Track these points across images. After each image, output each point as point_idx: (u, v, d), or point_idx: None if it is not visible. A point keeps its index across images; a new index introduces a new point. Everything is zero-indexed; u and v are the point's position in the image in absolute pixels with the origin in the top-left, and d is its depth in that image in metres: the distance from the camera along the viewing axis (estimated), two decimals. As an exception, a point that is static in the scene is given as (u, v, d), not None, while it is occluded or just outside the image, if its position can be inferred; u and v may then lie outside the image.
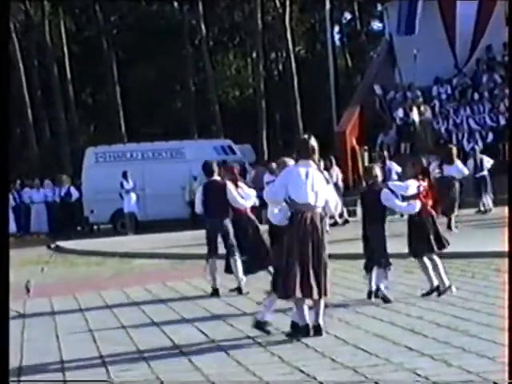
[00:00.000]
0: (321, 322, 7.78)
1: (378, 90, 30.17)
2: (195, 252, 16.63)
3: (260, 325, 8.01)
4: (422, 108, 28.23)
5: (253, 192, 11.40)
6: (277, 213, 8.17)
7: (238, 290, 11.09)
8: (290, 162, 8.28)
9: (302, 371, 6.48)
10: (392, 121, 28.72)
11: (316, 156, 7.84)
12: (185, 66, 40.58)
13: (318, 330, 7.73)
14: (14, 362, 7.66)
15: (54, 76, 39.14)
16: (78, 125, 40.51)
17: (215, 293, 11.10)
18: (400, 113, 28.56)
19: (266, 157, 35.54)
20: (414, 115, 28.03)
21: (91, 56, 40.85)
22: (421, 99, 28.84)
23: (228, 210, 11.14)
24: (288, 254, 7.67)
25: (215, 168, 11.30)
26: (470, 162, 21.22)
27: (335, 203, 8.00)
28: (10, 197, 27.80)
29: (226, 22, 45.92)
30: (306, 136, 8.04)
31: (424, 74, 28.62)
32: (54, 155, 38.04)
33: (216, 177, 11.26)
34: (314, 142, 7.84)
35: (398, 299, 9.54)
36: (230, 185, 11.09)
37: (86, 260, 18.48)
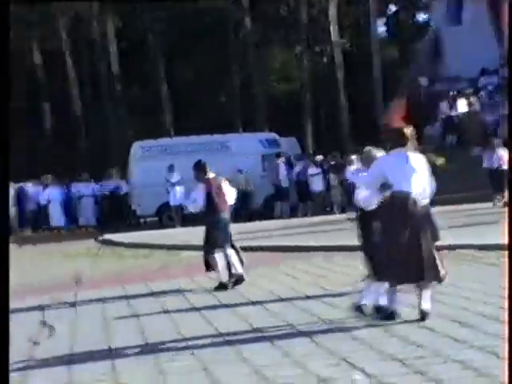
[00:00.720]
0: (424, 306, 7.85)
1: (423, 81, 29.97)
2: (241, 244, 16.69)
3: (378, 310, 8.04)
4: (469, 99, 27.97)
5: (233, 191, 11.89)
6: (366, 197, 8.27)
7: (239, 281, 11.36)
8: (376, 151, 8.39)
9: (348, 362, 6.49)
10: (438, 113, 28.50)
11: (413, 143, 8.04)
12: (230, 59, 40.67)
13: (423, 315, 7.82)
14: (65, 351, 7.85)
15: (102, 72, 39.53)
16: (126, 119, 40.85)
17: (223, 287, 11.28)
18: (446, 105, 28.33)
19: (310, 150, 35.49)
20: (460, 107, 27.79)
21: (138, 51, 41.14)
22: (467, 90, 28.57)
23: (224, 206, 11.56)
24: (385, 239, 7.87)
25: (208, 167, 11.72)
26: (494, 155, 21.03)
27: (429, 189, 8.14)
28: (60, 191, 28.17)
29: (272, 15, 45.88)
30: (401, 125, 8.21)
31: (470, 64, 28.34)
32: (103, 150, 38.43)
33: (211, 175, 11.66)
34: (410, 130, 8.07)
35: (443, 292, 9.49)
36: (224, 183, 11.67)
37: (133, 252, 18.66)
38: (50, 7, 39.01)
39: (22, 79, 38.53)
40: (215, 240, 11.52)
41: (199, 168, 11.78)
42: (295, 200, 27.22)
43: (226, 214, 11.60)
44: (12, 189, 27.63)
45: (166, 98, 39.96)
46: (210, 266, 11.63)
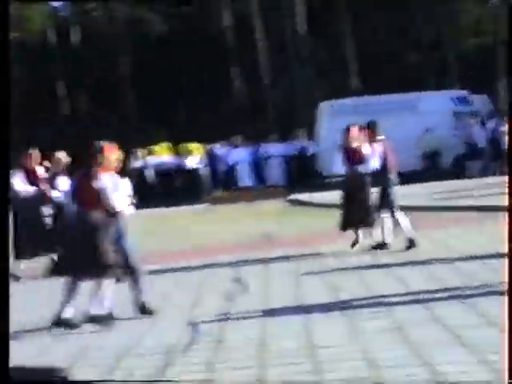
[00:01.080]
0: None
1: None
2: (431, 204, 16.45)
3: None
4: None
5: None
6: None
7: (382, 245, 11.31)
8: None
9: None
10: None
11: None
12: (420, 16, 39.76)
13: None
14: (258, 307, 8.05)
15: (288, 33, 39.79)
16: (313, 80, 40.95)
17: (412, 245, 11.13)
18: None
19: (503, 108, 34.18)
20: None
21: (327, 11, 40.96)
22: None
23: (393, 167, 11.69)
24: None
25: (379, 128, 11.84)
26: None
27: None
28: (249, 151, 28.71)
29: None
30: None
31: None
32: (290, 110, 38.77)
33: (381, 136, 11.70)
34: None
35: None
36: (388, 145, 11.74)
37: (321, 212, 18.74)
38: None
39: (213, 43, 39.46)
40: (390, 201, 11.44)
41: (371, 128, 11.65)
42: (487, 159, 26.39)
43: (393, 176, 11.60)
44: (204, 150, 28.50)
45: (352, 57, 39.68)
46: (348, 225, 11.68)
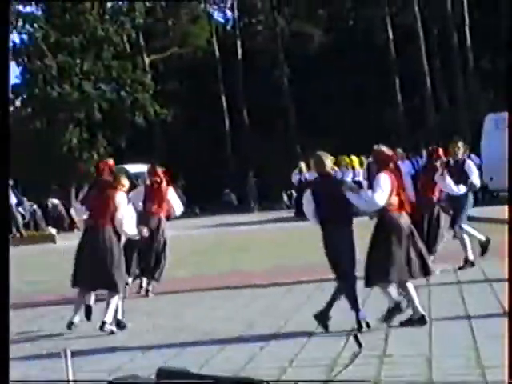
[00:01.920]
0: None
1: None
2: None
3: None
4: None
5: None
6: None
7: None
8: None
9: None
10: None
11: None
12: None
13: None
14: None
15: (453, 43, 39.05)
16: (478, 91, 39.98)
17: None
18: None
19: None
20: None
21: (488, 18, 39.89)
22: None
23: None
24: None
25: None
26: None
27: None
28: (410, 164, 28.28)
29: None
30: None
31: None
32: (453, 122, 38.00)
33: None
34: None
35: None
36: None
37: (487, 227, 18.17)
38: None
39: (374, 55, 39.25)
40: (460, 218, 12.31)
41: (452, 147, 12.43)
42: None
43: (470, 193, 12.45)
44: (363, 163, 28.33)
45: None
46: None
